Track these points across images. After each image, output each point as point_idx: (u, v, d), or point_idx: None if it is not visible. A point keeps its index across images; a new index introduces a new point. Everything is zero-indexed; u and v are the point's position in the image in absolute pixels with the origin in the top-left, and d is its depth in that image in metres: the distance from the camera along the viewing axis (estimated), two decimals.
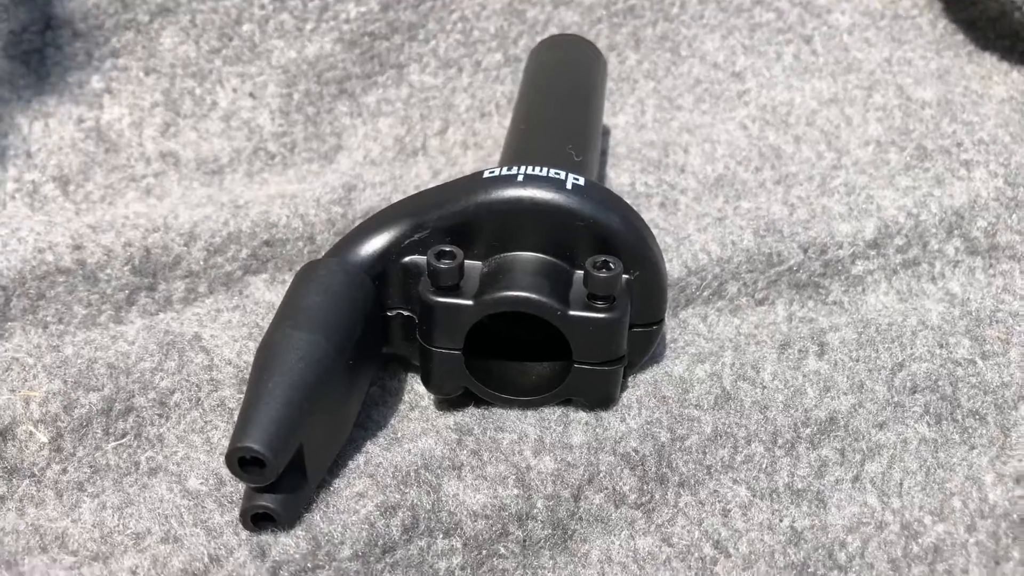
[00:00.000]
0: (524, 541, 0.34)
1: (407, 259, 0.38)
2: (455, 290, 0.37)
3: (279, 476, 0.32)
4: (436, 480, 0.35)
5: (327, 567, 0.32)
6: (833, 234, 0.47)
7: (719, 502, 0.35)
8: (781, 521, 0.35)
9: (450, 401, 0.39)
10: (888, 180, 0.51)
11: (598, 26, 0.63)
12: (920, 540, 0.34)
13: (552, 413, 0.38)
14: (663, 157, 0.55)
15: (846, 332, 0.42)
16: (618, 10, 0.63)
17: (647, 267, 0.37)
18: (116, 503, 0.35)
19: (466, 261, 0.37)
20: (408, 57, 0.60)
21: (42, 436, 0.37)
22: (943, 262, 0.48)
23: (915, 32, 0.63)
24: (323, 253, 0.48)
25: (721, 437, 0.37)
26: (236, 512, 0.34)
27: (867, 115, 0.57)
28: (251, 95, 0.57)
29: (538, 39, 0.62)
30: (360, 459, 0.37)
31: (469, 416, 0.38)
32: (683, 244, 0.47)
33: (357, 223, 0.49)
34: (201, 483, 0.36)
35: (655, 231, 0.48)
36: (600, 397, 0.38)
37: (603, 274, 0.36)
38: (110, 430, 0.38)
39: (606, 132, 0.58)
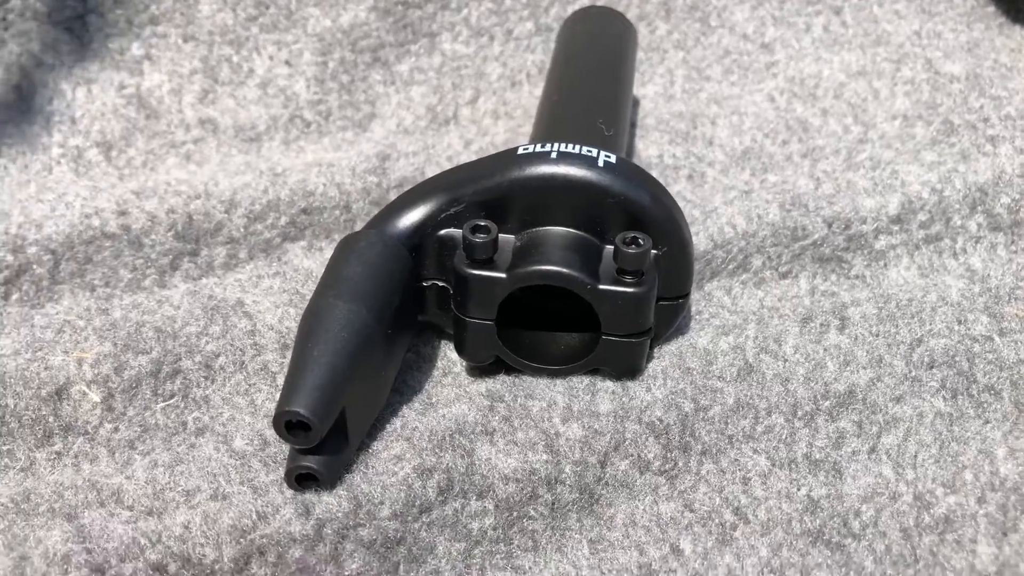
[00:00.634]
0: (553, 504, 0.36)
1: (443, 232, 0.39)
2: (489, 263, 0.38)
3: (322, 439, 0.34)
4: (469, 444, 0.36)
5: (367, 525, 0.34)
6: (857, 209, 0.48)
7: (740, 470, 0.37)
8: (799, 490, 0.36)
9: (482, 368, 0.41)
10: (913, 155, 0.52)
11: None
12: (931, 511, 0.35)
13: (580, 382, 0.40)
14: (691, 129, 0.56)
15: (867, 307, 0.44)
16: None
17: (675, 243, 0.39)
18: (167, 461, 0.37)
19: (500, 235, 0.39)
20: (440, 26, 0.61)
21: (95, 396, 0.39)
22: (965, 238, 0.49)
23: (946, 4, 0.64)
24: (358, 222, 0.50)
25: (743, 408, 0.38)
26: (281, 472, 0.36)
27: (895, 88, 0.58)
28: (287, 63, 0.58)
29: (569, 9, 0.63)
30: (397, 423, 0.38)
31: (500, 383, 0.40)
32: (710, 217, 0.48)
33: (392, 193, 0.50)
34: (247, 444, 0.38)
35: (683, 204, 0.49)
36: (627, 367, 0.39)
37: (632, 250, 0.37)
38: (158, 391, 0.40)
39: (635, 103, 0.58)
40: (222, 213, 0.48)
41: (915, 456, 0.38)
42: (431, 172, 0.51)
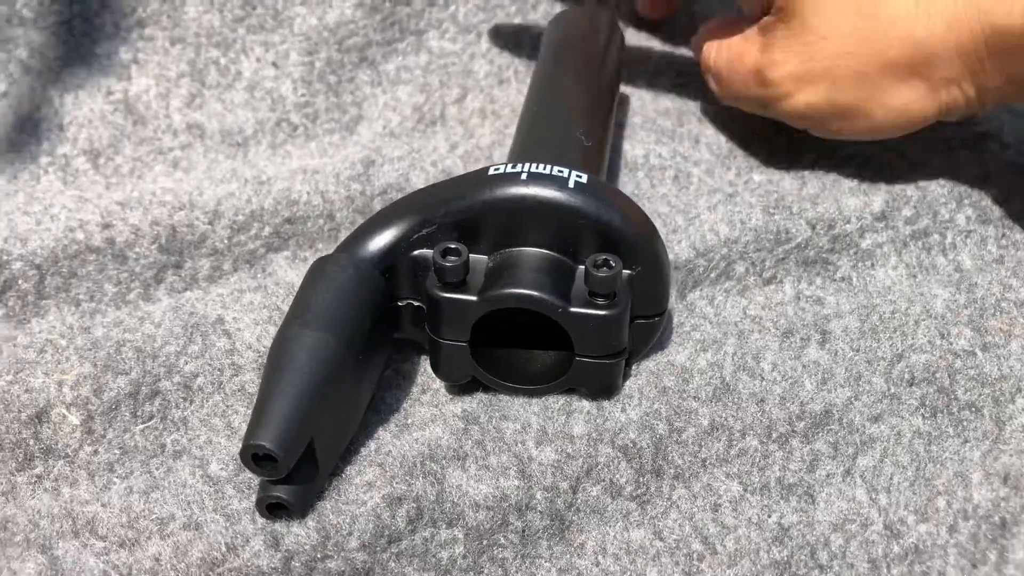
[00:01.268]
0: (523, 531, 0.36)
1: (416, 252, 0.39)
2: (461, 286, 0.38)
3: (291, 468, 0.34)
4: (441, 471, 0.37)
5: (336, 557, 0.34)
6: (841, 208, 0.48)
7: (711, 496, 0.37)
8: (769, 517, 0.36)
9: (459, 385, 0.41)
10: (899, 153, 0.51)
11: None
12: (901, 540, 0.35)
13: (555, 402, 0.40)
14: (677, 127, 0.56)
15: (849, 320, 0.43)
16: None
17: (648, 263, 0.38)
18: (143, 487, 0.38)
19: (472, 256, 0.39)
20: (428, 23, 0.60)
21: (74, 418, 0.40)
22: (954, 232, 0.48)
23: None
24: (342, 231, 0.50)
25: (717, 430, 0.38)
26: (253, 499, 0.36)
27: None
28: (274, 64, 0.58)
29: (557, 4, 0.62)
30: (371, 446, 0.39)
31: (476, 403, 0.40)
32: (692, 224, 0.48)
33: (376, 201, 0.50)
34: (222, 468, 0.38)
35: (666, 209, 0.49)
36: (601, 388, 0.39)
37: (603, 273, 0.37)
38: (138, 412, 0.40)
39: (623, 101, 0.58)
40: (206, 224, 0.48)
41: (890, 479, 0.37)
42: (416, 178, 0.51)
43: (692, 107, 0.57)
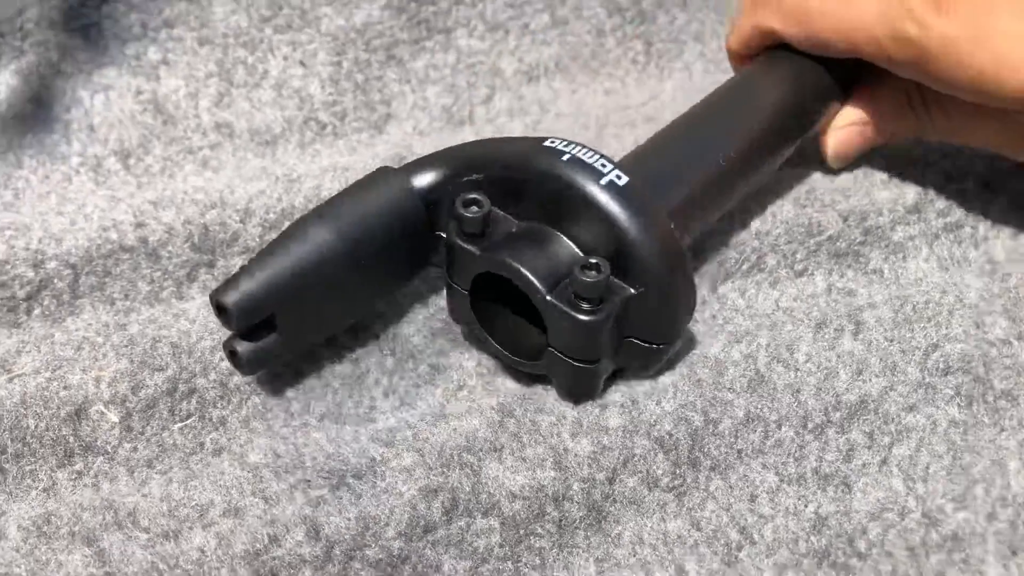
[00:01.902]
0: (560, 522, 0.36)
1: (462, 195, 0.40)
2: (477, 237, 0.39)
3: (254, 329, 0.38)
4: (477, 462, 0.37)
5: (374, 545, 0.34)
6: (873, 200, 0.48)
7: (748, 487, 0.37)
8: (806, 507, 0.36)
9: (494, 378, 0.41)
10: (930, 144, 0.51)
11: None
12: (940, 528, 0.35)
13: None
14: None
15: (883, 310, 0.43)
16: None
17: (657, 289, 0.37)
18: (182, 477, 0.38)
19: (506, 215, 0.40)
20: (455, 21, 0.61)
21: (113, 416, 0.40)
22: (987, 225, 0.48)
23: None
24: None
25: (753, 421, 0.38)
26: (291, 479, 0.37)
27: None
28: (302, 63, 0.59)
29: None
30: (408, 433, 0.39)
31: (512, 397, 0.40)
32: (723, 218, 0.47)
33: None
34: (260, 456, 0.39)
35: None
36: (571, 389, 0.39)
37: (585, 277, 0.36)
38: (175, 411, 0.41)
39: (654, 97, 0.58)
40: (237, 223, 0.48)
41: (927, 468, 0.37)
42: None
43: None
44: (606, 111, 0.57)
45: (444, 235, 0.41)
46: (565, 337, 0.38)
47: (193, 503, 0.37)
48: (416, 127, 0.57)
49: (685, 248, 0.39)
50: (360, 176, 0.50)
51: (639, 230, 0.37)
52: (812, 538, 0.35)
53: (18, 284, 0.45)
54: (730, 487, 0.37)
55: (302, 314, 0.39)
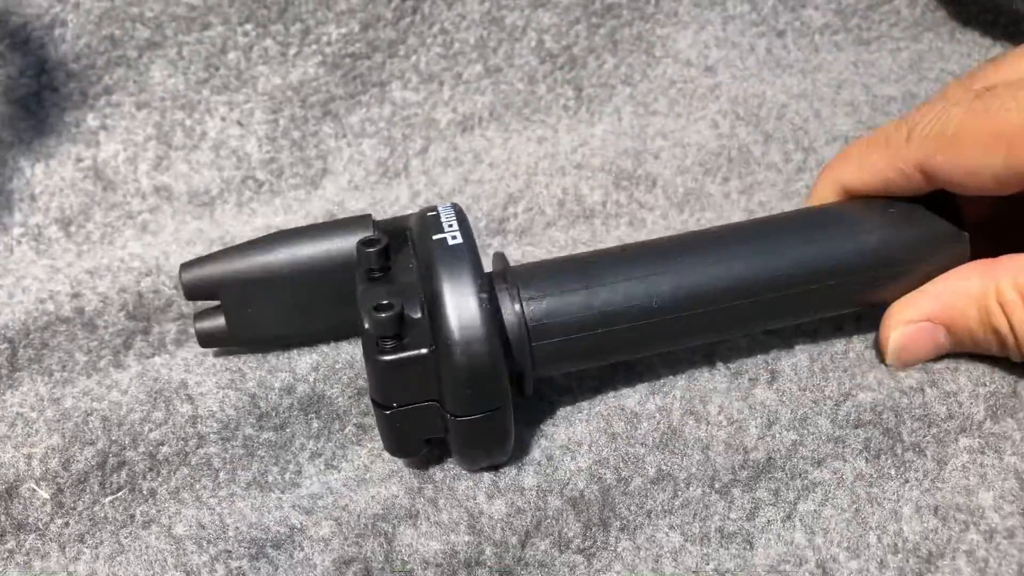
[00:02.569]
0: None
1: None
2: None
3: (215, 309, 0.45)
4: (392, 530, 0.38)
5: None
6: None
7: (654, 547, 0.38)
8: (708, 565, 0.37)
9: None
10: None
11: (576, 27, 0.64)
12: None
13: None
14: (636, 167, 0.57)
15: (800, 358, 0.44)
16: (596, 10, 0.64)
17: (443, 349, 0.36)
18: (110, 552, 0.39)
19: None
20: (390, 75, 0.62)
21: (44, 492, 0.41)
22: None
23: (888, 23, 0.64)
24: None
25: (663, 479, 0.39)
26: (213, 551, 0.38)
27: (835, 110, 0.58)
28: (239, 123, 0.60)
29: (518, 48, 0.63)
30: (329, 500, 0.40)
31: (433, 462, 0.41)
32: None
33: None
34: (185, 528, 0.40)
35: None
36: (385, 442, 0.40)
37: (378, 313, 0.36)
38: (106, 484, 0.42)
39: (584, 143, 0.59)
40: (171, 289, 0.49)
41: (828, 520, 0.38)
42: None
43: (650, 146, 0.58)
44: (536, 159, 0.58)
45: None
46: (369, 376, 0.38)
47: None
48: (351, 181, 0.58)
49: (493, 326, 0.36)
50: None
51: (442, 285, 0.36)
52: None
53: None
54: (637, 547, 0.38)
55: (246, 312, 0.44)
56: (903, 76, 0.59)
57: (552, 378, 0.44)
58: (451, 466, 0.41)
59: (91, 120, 0.59)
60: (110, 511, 0.41)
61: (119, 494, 0.41)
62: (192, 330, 0.49)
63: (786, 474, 0.40)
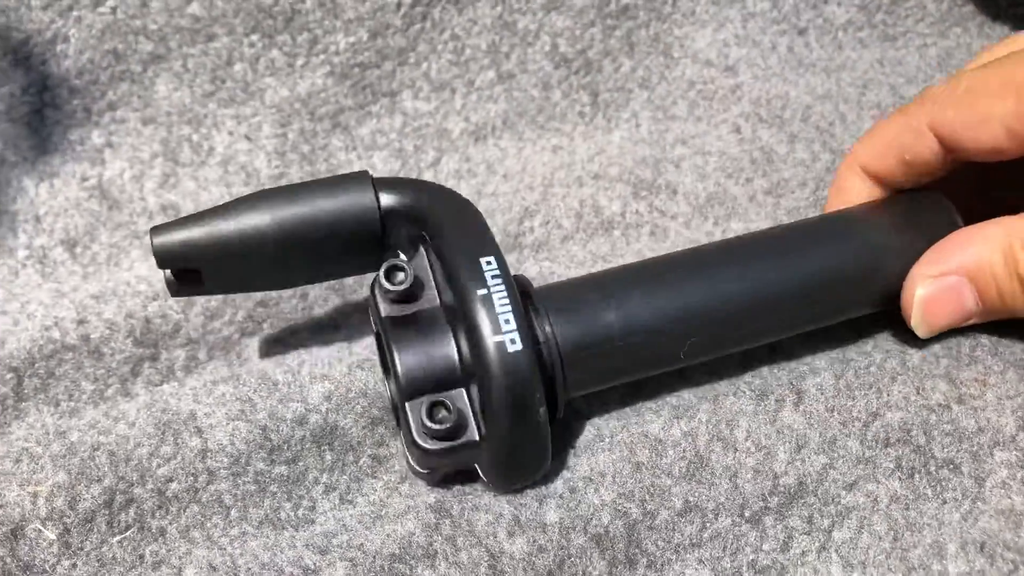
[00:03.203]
0: None
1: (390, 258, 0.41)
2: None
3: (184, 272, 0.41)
4: (409, 572, 0.36)
5: None
6: None
7: None
8: None
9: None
10: None
11: (591, 30, 0.62)
12: None
13: (529, 488, 0.39)
14: (656, 176, 0.55)
15: (825, 376, 0.42)
16: (611, 11, 0.62)
17: (495, 442, 0.38)
18: None
19: (433, 278, 0.41)
20: (400, 83, 0.60)
21: (50, 534, 0.40)
22: None
23: (914, 18, 0.61)
24: (316, 308, 0.50)
25: (690, 511, 0.38)
26: None
27: (861, 113, 0.56)
28: (247, 137, 0.58)
29: (530, 53, 0.61)
30: (344, 538, 0.38)
31: (450, 493, 0.40)
32: None
33: (349, 279, 0.50)
34: (196, 570, 0.38)
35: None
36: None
37: (435, 415, 0.38)
38: (113, 523, 0.40)
39: (601, 151, 0.57)
40: (179, 313, 0.48)
41: (867, 551, 0.37)
42: None
43: (670, 153, 0.56)
44: (552, 169, 0.56)
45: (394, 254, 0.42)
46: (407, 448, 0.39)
47: None
48: None
49: (544, 419, 0.37)
50: None
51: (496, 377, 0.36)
52: None
53: None
54: None
55: (225, 274, 0.41)
56: (931, 74, 0.57)
57: (573, 403, 0.43)
58: (469, 497, 0.39)
59: (96, 137, 0.57)
60: (118, 551, 0.40)
61: (127, 533, 0.40)
62: (201, 355, 0.48)
63: (819, 499, 0.38)
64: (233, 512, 0.40)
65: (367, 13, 0.59)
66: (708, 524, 0.38)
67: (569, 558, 0.37)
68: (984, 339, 0.43)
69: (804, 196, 0.52)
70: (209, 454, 0.42)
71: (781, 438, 0.40)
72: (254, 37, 0.59)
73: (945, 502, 0.38)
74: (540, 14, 0.62)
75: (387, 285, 0.40)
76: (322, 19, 0.59)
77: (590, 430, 0.42)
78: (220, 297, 0.49)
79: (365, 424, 0.43)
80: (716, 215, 0.52)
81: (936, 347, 0.43)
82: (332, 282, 0.50)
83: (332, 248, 0.41)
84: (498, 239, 0.52)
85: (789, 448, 0.40)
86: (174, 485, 0.41)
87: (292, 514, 0.41)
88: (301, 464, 0.42)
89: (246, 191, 0.57)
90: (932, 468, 0.39)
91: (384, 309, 0.40)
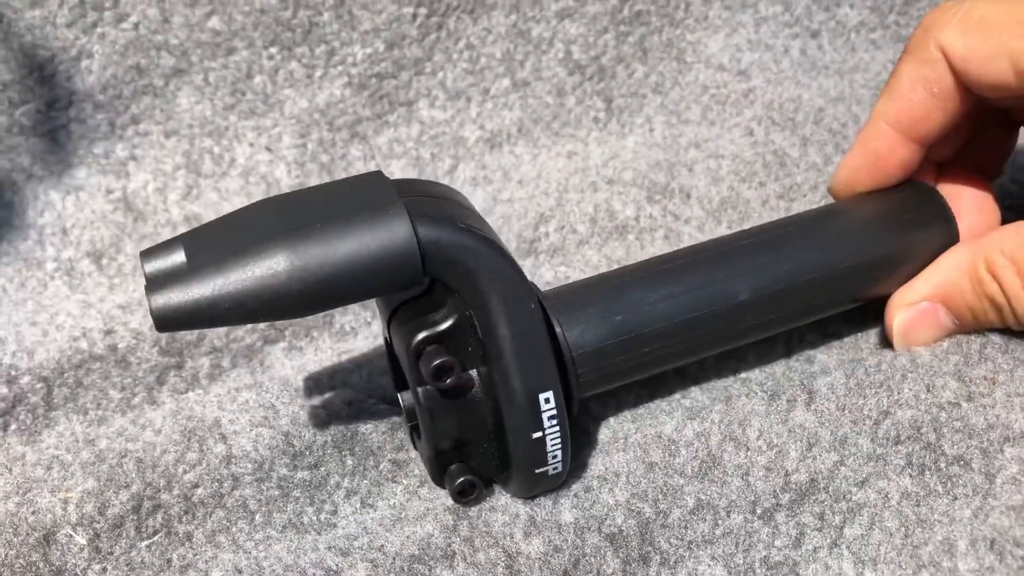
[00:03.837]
0: None
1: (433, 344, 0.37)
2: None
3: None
4: (428, 572, 0.37)
5: None
6: None
7: None
8: None
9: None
10: None
11: (604, 36, 0.63)
12: None
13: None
14: (669, 180, 0.56)
15: (836, 376, 0.43)
16: (624, 18, 0.63)
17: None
18: None
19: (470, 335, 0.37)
20: (417, 93, 0.61)
21: (81, 538, 0.41)
22: None
23: None
24: (336, 315, 0.51)
25: (703, 509, 0.38)
26: None
27: None
28: (267, 148, 0.59)
29: (544, 61, 0.62)
30: (365, 540, 0.39)
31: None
32: None
33: None
34: (222, 574, 0.39)
35: None
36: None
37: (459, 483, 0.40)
38: (142, 528, 0.41)
39: (615, 156, 0.58)
40: None
41: (878, 547, 0.37)
42: None
43: (683, 157, 0.57)
44: (567, 175, 0.57)
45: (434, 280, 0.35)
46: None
47: None
48: None
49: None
50: None
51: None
52: None
53: None
54: None
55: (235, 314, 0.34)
56: None
57: (587, 402, 0.44)
58: (484, 502, 0.40)
59: (120, 151, 0.59)
60: (147, 556, 0.41)
61: (155, 538, 0.41)
62: (225, 363, 0.49)
63: (830, 496, 0.39)
64: (258, 517, 0.41)
65: (383, 24, 0.60)
66: (720, 521, 0.38)
67: (584, 557, 0.37)
68: (995, 337, 0.43)
69: (816, 200, 0.53)
70: (234, 460, 0.43)
71: (793, 437, 0.41)
72: (273, 50, 0.60)
73: (956, 499, 0.39)
74: (554, 22, 0.63)
75: (433, 382, 0.36)
76: (339, 31, 0.60)
77: (604, 431, 0.42)
78: None
79: (385, 429, 0.44)
80: (729, 219, 0.53)
81: (946, 345, 0.44)
82: None
83: (363, 296, 0.34)
84: (513, 245, 0.53)
85: (800, 446, 0.40)
86: (200, 491, 0.42)
87: (315, 518, 0.41)
88: (323, 469, 0.43)
89: None
90: (942, 465, 0.39)
91: (419, 383, 0.37)
